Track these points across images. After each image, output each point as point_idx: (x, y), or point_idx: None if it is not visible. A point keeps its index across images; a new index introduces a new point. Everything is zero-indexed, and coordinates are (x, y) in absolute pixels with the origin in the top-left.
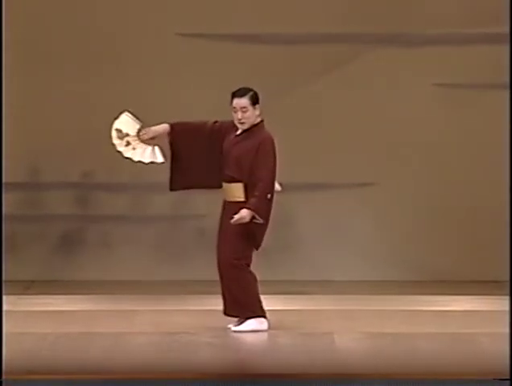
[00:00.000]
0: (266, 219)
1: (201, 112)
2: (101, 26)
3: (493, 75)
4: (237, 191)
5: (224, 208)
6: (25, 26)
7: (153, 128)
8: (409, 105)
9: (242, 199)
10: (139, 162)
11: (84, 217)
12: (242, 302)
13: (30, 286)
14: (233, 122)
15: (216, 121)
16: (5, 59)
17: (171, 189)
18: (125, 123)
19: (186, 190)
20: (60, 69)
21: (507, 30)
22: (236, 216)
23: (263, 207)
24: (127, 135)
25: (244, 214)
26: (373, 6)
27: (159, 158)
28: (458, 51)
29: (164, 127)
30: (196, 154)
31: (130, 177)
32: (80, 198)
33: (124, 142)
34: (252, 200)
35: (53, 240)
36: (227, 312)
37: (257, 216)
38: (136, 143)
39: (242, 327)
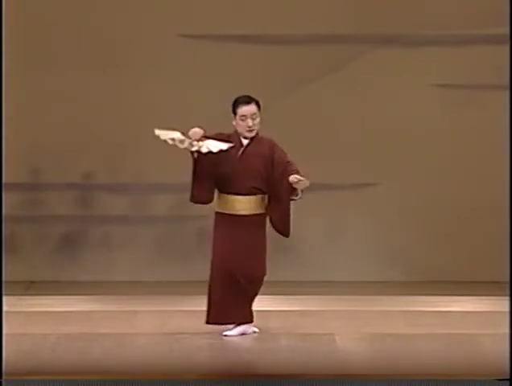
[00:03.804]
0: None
1: (203, 112)
2: (102, 27)
3: (493, 76)
4: (259, 203)
5: (233, 222)
6: (25, 26)
7: (196, 129)
8: (409, 106)
9: (263, 211)
10: (213, 152)
11: (85, 218)
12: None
13: (30, 287)
14: (224, 134)
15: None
16: (5, 59)
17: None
18: (167, 134)
19: (186, 191)
20: (62, 70)
21: (507, 30)
22: (300, 181)
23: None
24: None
25: (304, 178)
26: (373, 7)
27: (224, 146)
28: (458, 52)
29: (202, 130)
30: (209, 168)
31: (130, 178)
32: (81, 198)
33: (187, 143)
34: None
35: (54, 241)
36: (251, 319)
37: (300, 189)
38: (196, 142)
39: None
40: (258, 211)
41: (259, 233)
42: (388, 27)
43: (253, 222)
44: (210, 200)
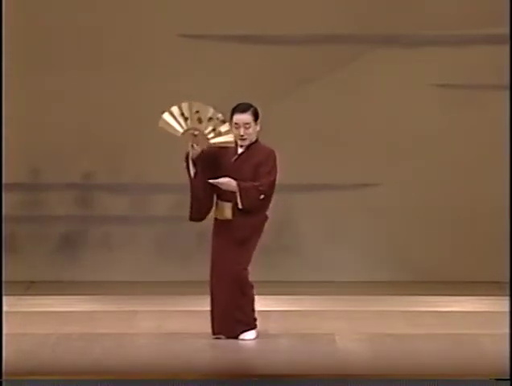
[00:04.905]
0: (251, 210)
1: None
2: (102, 27)
3: (493, 76)
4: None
5: (222, 227)
6: (25, 26)
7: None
8: (409, 106)
9: (252, 216)
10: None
11: (85, 218)
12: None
13: (30, 287)
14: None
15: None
16: (5, 59)
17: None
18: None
19: (186, 191)
20: (61, 70)
21: (507, 30)
22: (220, 179)
23: (251, 196)
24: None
25: (226, 180)
26: (373, 7)
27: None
28: (458, 52)
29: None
30: (205, 187)
31: (130, 178)
32: (81, 199)
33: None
34: (244, 183)
35: (54, 241)
36: (232, 333)
37: (238, 196)
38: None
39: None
40: (245, 216)
41: (235, 234)
42: (388, 27)
43: (239, 226)
44: (204, 218)
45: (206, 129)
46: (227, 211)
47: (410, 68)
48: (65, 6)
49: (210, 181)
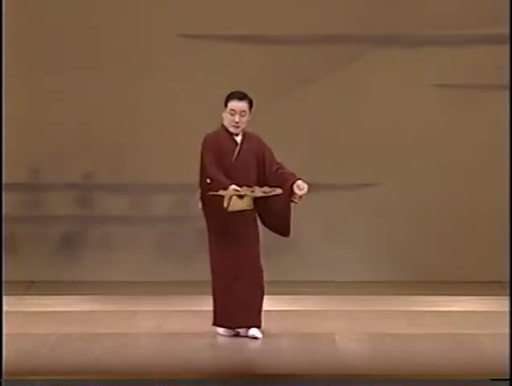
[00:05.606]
0: None
1: (203, 112)
2: (102, 27)
3: (493, 76)
4: (251, 199)
5: (227, 219)
6: (25, 26)
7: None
8: (409, 106)
9: (254, 207)
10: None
11: (85, 218)
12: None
13: (30, 287)
14: (212, 134)
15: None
16: (5, 59)
17: None
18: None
19: (186, 191)
20: (61, 70)
21: (507, 30)
22: (303, 190)
23: None
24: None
25: (307, 187)
26: (373, 7)
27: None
28: (458, 52)
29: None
30: None
31: (131, 178)
32: (81, 199)
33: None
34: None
35: (54, 241)
36: (255, 323)
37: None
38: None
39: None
40: (250, 207)
41: (253, 227)
42: (388, 27)
43: (246, 217)
44: None
45: (257, 194)
46: (247, 201)
47: (410, 68)
48: (65, 6)
49: (295, 200)
